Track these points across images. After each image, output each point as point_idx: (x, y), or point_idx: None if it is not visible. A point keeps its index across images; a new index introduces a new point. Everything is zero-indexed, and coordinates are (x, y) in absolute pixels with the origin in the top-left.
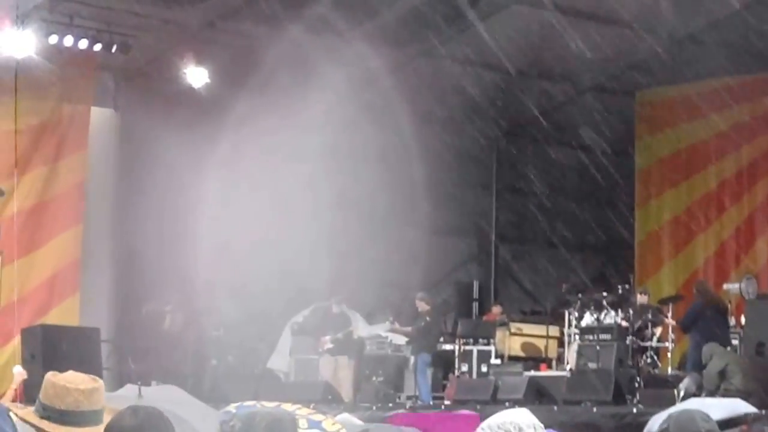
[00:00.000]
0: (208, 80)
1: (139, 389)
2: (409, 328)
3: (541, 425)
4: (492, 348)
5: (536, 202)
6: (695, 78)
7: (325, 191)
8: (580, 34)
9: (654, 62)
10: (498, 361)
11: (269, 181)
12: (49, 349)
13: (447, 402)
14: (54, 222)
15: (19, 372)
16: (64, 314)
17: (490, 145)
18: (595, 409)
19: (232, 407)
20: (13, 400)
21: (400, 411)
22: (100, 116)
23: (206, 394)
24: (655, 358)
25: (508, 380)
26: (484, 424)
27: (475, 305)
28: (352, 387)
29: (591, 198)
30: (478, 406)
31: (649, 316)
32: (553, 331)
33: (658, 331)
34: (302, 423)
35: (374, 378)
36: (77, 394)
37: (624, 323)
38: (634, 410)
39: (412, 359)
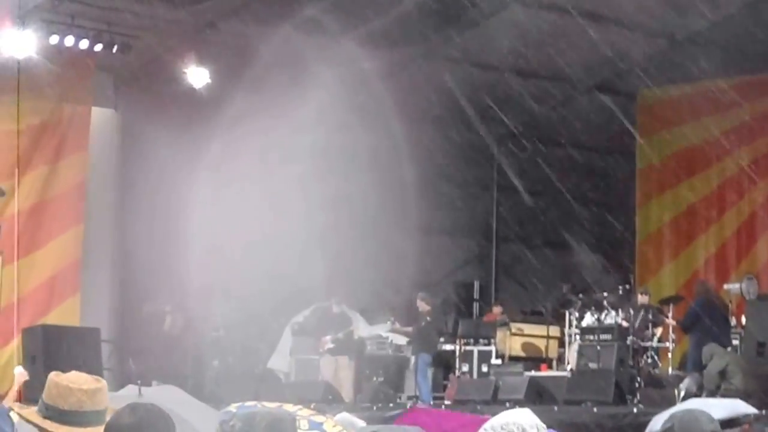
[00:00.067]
0: (208, 80)
1: (139, 389)
2: (409, 329)
3: (544, 426)
4: (492, 348)
5: (537, 202)
6: (696, 78)
7: (324, 192)
8: (580, 34)
9: (654, 62)
10: (498, 362)
11: (265, 180)
12: (50, 349)
13: (447, 402)
14: (54, 222)
15: (20, 373)
16: (64, 314)
17: (491, 145)
18: (595, 409)
19: (232, 407)
20: (15, 401)
21: (421, 406)
22: (100, 116)
23: (207, 394)
24: (656, 358)
25: (509, 380)
26: (487, 424)
27: (476, 305)
28: (352, 387)
29: (591, 198)
30: (479, 407)
31: (650, 316)
32: (554, 331)
33: (659, 331)
34: (303, 424)
35: (375, 378)
36: (80, 395)
37: (624, 323)
38: (635, 410)
39: (412, 359)
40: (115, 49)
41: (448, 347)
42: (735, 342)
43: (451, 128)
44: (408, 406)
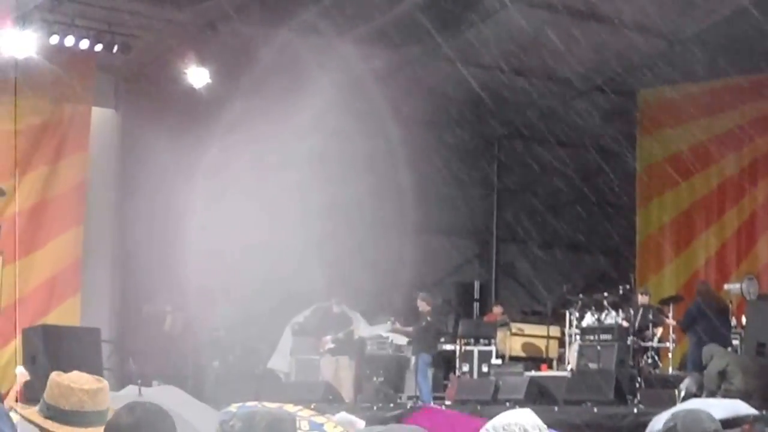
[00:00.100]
0: (209, 81)
1: (140, 390)
2: (410, 329)
3: (545, 426)
4: (493, 348)
5: (537, 202)
6: (696, 78)
7: (323, 195)
8: (580, 35)
9: (654, 62)
10: (499, 362)
11: (265, 181)
12: (50, 349)
13: (448, 402)
14: (55, 222)
15: (21, 373)
16: (64, 314)
17: (491, 145)
18: (595, 410)
19: (233, 407)
20: (16, 401)
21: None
22: (100, 116)
23: (207, 394)
24: (656, 358)
25: (509, 380)
26: (489, 425)
27: (476, 305)
28: (353, 387)
29: (592, 198)
30: (479, 407)
31: (650, 316)
32: (554, 331)
33: (659, 331)
34: (304, 425)
35: (375, 378)
36: (81, 395)
37: (625, 323)
38: (635, 410)
39: (413, 359)
40: (115, 50)
41: (449, 347)
42: (735, 342)
43: (450, 129)
44: (408, 407)
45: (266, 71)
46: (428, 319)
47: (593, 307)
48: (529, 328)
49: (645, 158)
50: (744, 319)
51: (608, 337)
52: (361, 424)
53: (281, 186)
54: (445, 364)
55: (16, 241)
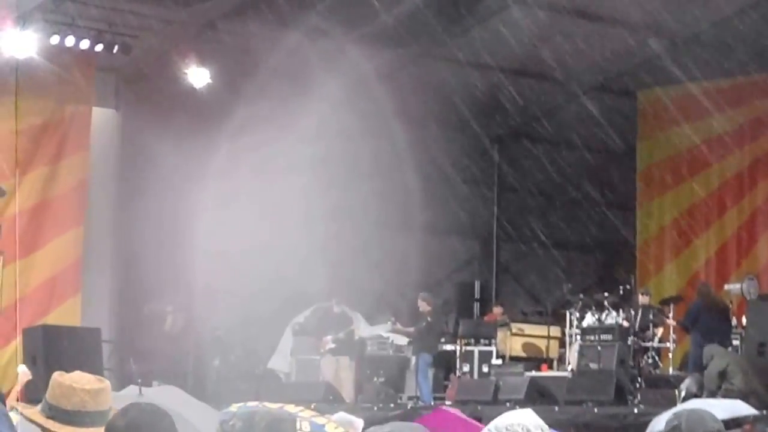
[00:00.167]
0: (209, 81)
1: (140, 389)
2: (410, 329)
3: (547, 426)
4: (493, 348)
5: (537, 202)
6: (696, 78)
7: (325, 196)
8: (581, 35)
9: (655, 62)
10: (499, 362)
11: (266, 182)
12: (51, 349)
13: (448, 402)
14: (55, 222)
15: (23, 372)
16: (65, 314)
17: (492, 145)
18: (596, 410)
19: (233, 407)
20: (17, 401)
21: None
22: (101, 116)
23: (207, 394)
24: (657, 358)
25: (510, 380)
26: (491, 425)
27: (477, 305)
28: (353, 387)
29: (592, 198)
30: (479, 407)
31: (651, 316)
32: (555, 331)
33: (660, 331)
34: (305, 426)
35: (375, 378)
36: (83, 395)
37: (625, 323)
38: (636, 410)
39: (413, 359)
40: (115, 50)
41: (449, 347)
42: (735, 342)
43: (451, 129)
44: (408, 407)
45: (268, 71)
46: (429, 319)
47: (594, 308)
48: (530, 328)
49: (645, 158)
50: (744, 320)
51: (609, 337)
52: (359, 423)
53: (284, 187)
54: (446, 364)
55: (16, 241)
